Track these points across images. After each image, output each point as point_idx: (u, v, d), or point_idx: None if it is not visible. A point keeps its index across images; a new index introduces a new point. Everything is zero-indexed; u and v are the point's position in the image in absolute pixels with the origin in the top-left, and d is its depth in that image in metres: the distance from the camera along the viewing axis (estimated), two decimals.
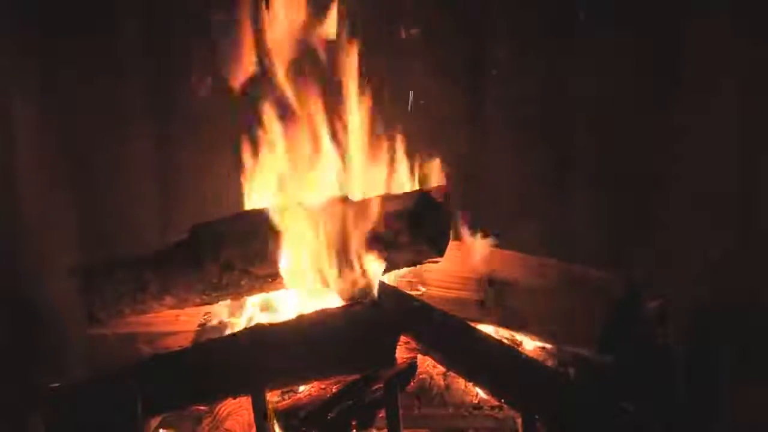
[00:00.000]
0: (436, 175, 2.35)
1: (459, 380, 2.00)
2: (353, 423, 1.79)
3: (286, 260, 1.96)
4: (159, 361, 1.76)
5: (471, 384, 1.99)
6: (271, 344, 1.72)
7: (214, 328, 2.11)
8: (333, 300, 1.93)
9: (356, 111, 2.33)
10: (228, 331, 2.06)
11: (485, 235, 2.20)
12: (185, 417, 1.90)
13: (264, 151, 2.33)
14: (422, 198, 2.02)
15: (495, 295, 2.08)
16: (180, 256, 1.99)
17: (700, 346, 2.20)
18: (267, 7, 2.30)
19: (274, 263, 1.96)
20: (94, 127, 2.51)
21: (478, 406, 1.98)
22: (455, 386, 2.01)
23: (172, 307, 2.03)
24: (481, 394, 1.98)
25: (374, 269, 1.94)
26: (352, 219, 1.95)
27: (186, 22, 2.57)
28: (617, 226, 2.56)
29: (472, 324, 1.97)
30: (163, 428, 1.90)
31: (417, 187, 2.29)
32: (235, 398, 1.79)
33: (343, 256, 1.95)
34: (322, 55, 2.32)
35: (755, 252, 2.23)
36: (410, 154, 2.39)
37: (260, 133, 2.34)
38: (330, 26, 2.33)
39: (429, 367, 2.03)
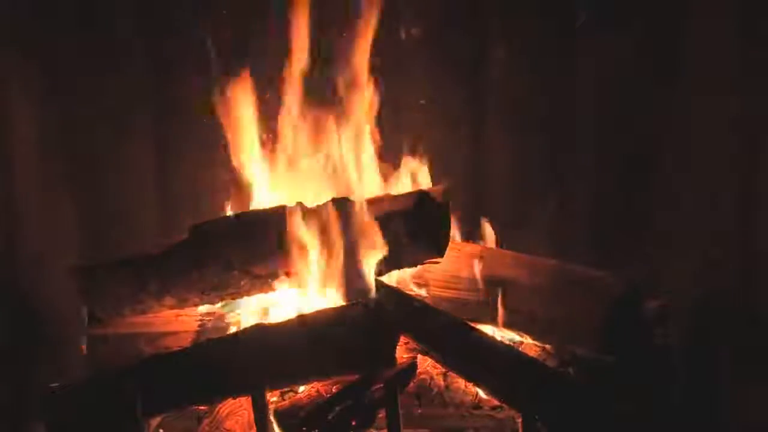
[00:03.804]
0: (435, 175, 2.36)
1: (459, 380, 2.00)
2: (353, 423, 1.79)
3: (286, 261, 1.96)
4: (159, 361, 1.76)
5: (471, 384, 1.99)
6: (271, 344, 1.72)
7: (214, 328, 2.11)
8: (333, 300, 1.93)
9: (355, 111, 2.34)
10: (228, 331, 2.06)
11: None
12: (185, 417, 1.90)
13: (264, 151, 2.34)
14: (422, 198, 2.02)
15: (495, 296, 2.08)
16: (180, 256, 1.99)
17: (700, 346, 2.20)
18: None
19: (274, 263, 1.96)
20: (94, 126, 2.52)
21: (478, 406, 1.98)
22: (455, 386, 2.01)
23: (172, 307, 2.03)
24: (481, 394, 1.98)
25: (374, 270, 1.94)
26: (352, 219, 1.95)
27: (187, 21, 2.57)
28: (617, 226, 2.56)
29: (472, 324, 1.97)
30: (163, 428, 1.90)
31: (417, 188, 2.29)
32: (235, 398, 1.79)
33: (343, 256, 1.95)
34: (322, 55, 2.33)
35: (754, 252, 2.23)
36: (410, 155, 2.40)
37: (260, 133, 2.35)
38: (330, 27, 2.33)
39: (429, 367, 2.03)
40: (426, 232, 2.01)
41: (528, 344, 2.12)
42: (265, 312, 2.12)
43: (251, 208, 2.26)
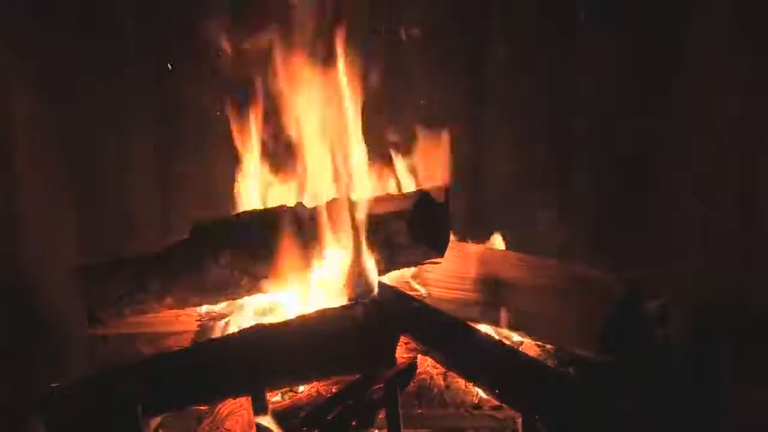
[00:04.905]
0: (435, 175, 2.36)
1: (459, 380, 2.00)
2: (353, 423, 1.79)
3: (286, 261, 1.96)
4: (159, 361, 1.76)
5: (471, 384, 1.99)
6: (271, 344, 1.72)
7: (214, 327, 2.11)
8: (333, 300, 1.93)
9: (355, 111, 2.33)
10: (228, 331, 2.06)
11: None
12: (185, 417, 1.90)
13: (264, 151, 2.34)
14: (422, 198, 2.02)
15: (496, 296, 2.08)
16: (180, 256, 1.99)
17: (700, 346, 2.20)
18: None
19: (273, 263, 1.96)
20: (95, 126, 2.52)
21: (478, 406, 1.98)
22: (455, 386, 2.01)
23: (172, 307, 2.03)
24: (481, 394, 1.98)
25: (374, 270, 1.94)
26: (352, 219, 1.95)
27: (187, 22, 2.58)
28: (617, 226, 2.56)
29: (472, 324, 1.97)
30: (163, 428, 1.90)
31: (417, 188, 2.29)
32: (235, 398, 1.79)
33: (343, 256, 1.95)
34: (321, 55, 2.32)
35: (754, 252, 2.23)
36: (409, 155, 2.40)
37: (259, 133, 2.35)
38: (329, 27, 2.33)
39: (429, 367, 2.03)
40: (426, 232, 2.01)
41: (528, 344, 2.12)
42: (265, 312, 2.13)
43: (252, 208, 2.25)
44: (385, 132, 2.42)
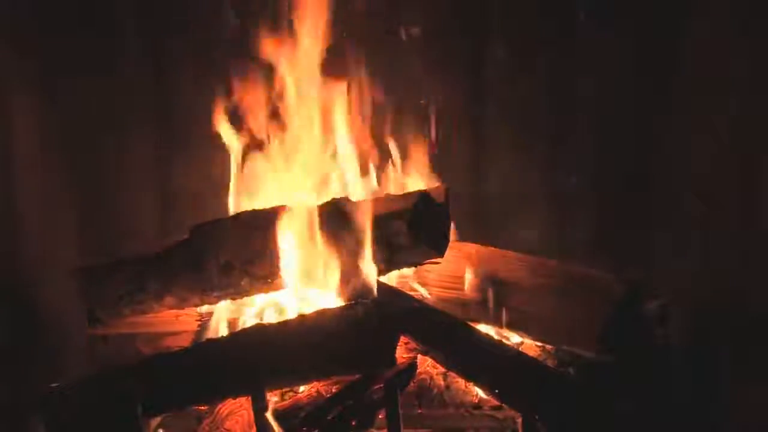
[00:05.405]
0: (435, 176, 2.36)
1: (459, 380, 2.00)
2: (353, 423, 1.79)
3: (286, 260, 1.96)
4: (159, 361, 1.76)
5: (471, 384, 1.99)
6: (271, 344, 1.72)
7: (214, 327, 2.11)
8: (333, 300, 1.93)
9: (356, 111, 2.34)
10: (228, 331, 2.06)
11: None
12: (185, 417, 1.90)
13: (263, 151, 2.34)
14: (422, 199, 2.02)
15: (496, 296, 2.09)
16: (180, 256, 1.99)
17: (700, 346, 2.20)
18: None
19: (273, 263, 1.96)
20: (94, 127, 2.52)
21: (478, 406, 1.98)
22: (455, 386, 2.01)
23: (172, 307, 2.03)
24: (481, 394, 1.98)
25: (374, 270, 1.93)
26: (353, 219, 1.95)
27: (187, 24, 2.58)
28: (617, 226, 2.56)
29: (472, 324, 1.97)
30: (163, 428, 1.90)
31: (417, 188, 2.29)
32: (235, 398, 1.79)
33: (343, 256, 1.95)
34: (321, 55, 2.33)
35: (755, 252, 2.23)
36: (409, 155, 2.40)
37: (260, 133, 2.35)
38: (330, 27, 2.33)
39: (429, 367, 2.03)
40: (426, 233, 2.01)
41: (528, 344, 2.12)
42: (266, 312, 2.13)
43: (251, 208, 2.25)
44: (385, 132, 2.42)
